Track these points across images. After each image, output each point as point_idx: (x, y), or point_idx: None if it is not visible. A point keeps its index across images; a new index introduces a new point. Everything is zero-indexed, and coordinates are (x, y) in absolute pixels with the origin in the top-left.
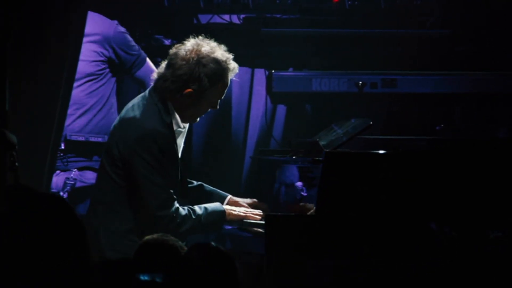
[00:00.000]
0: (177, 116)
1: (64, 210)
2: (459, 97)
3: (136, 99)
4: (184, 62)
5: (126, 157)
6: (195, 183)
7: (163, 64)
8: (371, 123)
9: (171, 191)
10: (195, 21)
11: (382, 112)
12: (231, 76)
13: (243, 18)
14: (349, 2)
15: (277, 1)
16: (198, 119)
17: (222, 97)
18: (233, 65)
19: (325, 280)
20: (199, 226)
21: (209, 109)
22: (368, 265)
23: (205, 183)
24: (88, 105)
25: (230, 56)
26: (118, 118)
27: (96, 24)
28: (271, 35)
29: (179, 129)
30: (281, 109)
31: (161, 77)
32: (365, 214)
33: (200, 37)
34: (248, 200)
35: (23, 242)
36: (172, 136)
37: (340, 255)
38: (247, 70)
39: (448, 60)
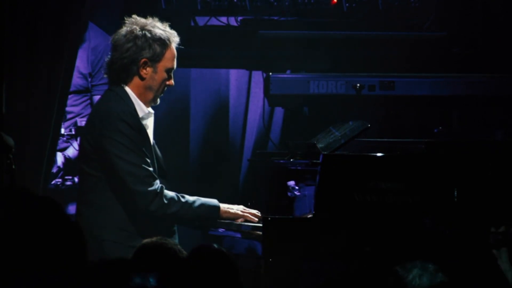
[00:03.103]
0: (139, 101)
1: (58, 212)
2: (457, 99)
3: (98, 99)
4: (129, 36)
5: (97, 146)
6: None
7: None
8: (369, 125)
9: (150, 168)
10: (192, 23)
11: (380, 115)
12: (174, 42)
13: (240, 20)
14: (347, 5)
15: (275, 3)
16: (158, 100)
17: (175, 68)
18: (173, 32)
19: (322, 283)
20: (188, 214)
21: (166, 87)
22: (366, 268)
23: (203, 186)
24: (74, 113)
25: (167, 24)
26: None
27: (94, 38)
28: (268, 37)
29: (145, 119)
30: (279, 112)
31: (111, 62)
32: (363, 217)
33: (133, 15)
34: (239, 207)
35: (18, 245)
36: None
37: (337, 257)
38: (245, 72)
39: (445, 63)
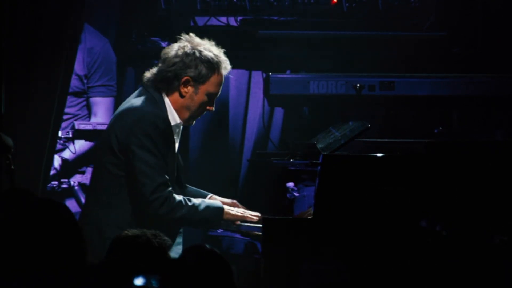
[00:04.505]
0: (173, 110)
1: (61, 215)
2: (457, 99)
3: (131, 96)
4: (180, 51)
5: (124, 142)
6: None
7: (154, 68)
8: (369, 126)
9: (167, 176)
10: (192, 23)
11: (380, 115)
12: (225, 69)
13: (240, 20)
14: (347, 4)
15: (274, 3)
16: (194, 121)
17: (218, 94)
18: (226, 59)
19: (322, 284)
20: (195, 217)
21: (204, 111)
22: (366, 269)
23: (202, 186)
24: (70, 114)
25: (222, 51)
26: (114, 114)
27: (89, 40)
28: (268, 37)
29: (174, 129)
30: (279, 112)
31: (157, 72)
32: (363, 217)
33: (191, 33)
34: (228, 201)
35: (18, 245)
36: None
37: (337, 258)
38: (244, 72)
39: (445, 63)
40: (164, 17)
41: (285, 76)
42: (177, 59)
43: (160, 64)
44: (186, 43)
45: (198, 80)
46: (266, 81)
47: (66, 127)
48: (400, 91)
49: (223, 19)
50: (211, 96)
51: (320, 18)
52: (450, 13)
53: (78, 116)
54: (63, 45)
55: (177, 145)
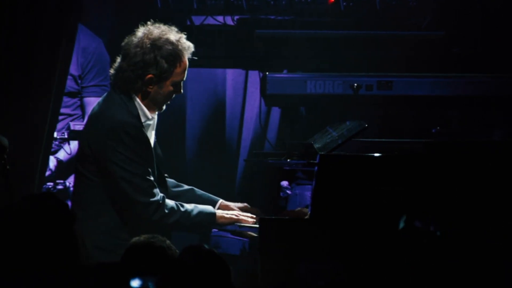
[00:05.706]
0: (143, 107)
1: (60, 214)
2: (455, 99)
3: (101, 98)
4: (138, 49)
5: (99, 153)
6: (186, 187)
7: (118, 59)
8: (366, 125)
9: (151, 178)
10: (188, 23)
11: (378, 115)
12: (187, 55)
13: (237, 19)
14: (344, 4)
15: (271, 3)
16: (164, 107)
17: (184, 79)
18: (187, 44)
19: (320, 285)
20: (187, 222)
21: (174, 95)
22: (364, 269)
23: (199, 186)
24: (65, 115)
25: (183, 35)
26: (86, 120)
27: (83, 40)
28: (265, 37)
29: (148, 121)
30: (276, 112)
31: (118, 69)
32: (360, 218)
33: (149, 22)
34: (240, 204)
35: (17, 244)
36: (142, 126)
37: (335, 258)
38: (241, 72)
39: (443, 62)
40: (161, 17)
41: (282, 75)
42: (137, 59)
43: (121, 60)
44: (145, 40)
45: (161, 76)
46: (263, 81)
47: (61, 127)
48: (398, 91)
49: (220, 18)
50: (177, 85)
51: (317, 18)
52: (449, 13)
53: (74, 117)
54: (60, 45)
55: (153, 139)
